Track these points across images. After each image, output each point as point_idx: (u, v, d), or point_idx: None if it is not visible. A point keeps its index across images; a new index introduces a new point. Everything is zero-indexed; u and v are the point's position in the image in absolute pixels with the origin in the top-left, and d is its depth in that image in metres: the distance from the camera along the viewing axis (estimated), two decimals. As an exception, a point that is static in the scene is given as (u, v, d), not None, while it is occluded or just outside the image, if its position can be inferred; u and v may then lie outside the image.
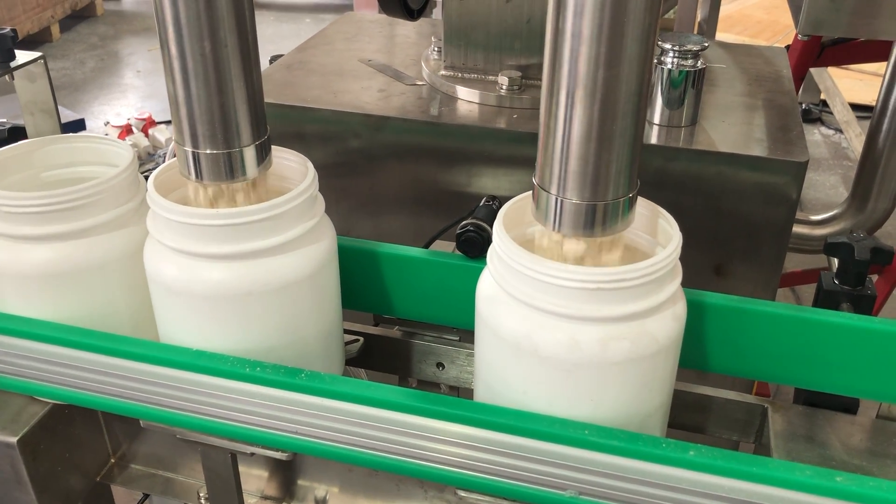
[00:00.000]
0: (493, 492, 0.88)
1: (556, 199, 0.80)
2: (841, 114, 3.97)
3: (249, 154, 0.91)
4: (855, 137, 3.73)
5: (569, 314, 0.80)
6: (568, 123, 0.76)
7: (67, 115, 4.39)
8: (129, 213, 0.99)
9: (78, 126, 4.33)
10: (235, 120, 0.88)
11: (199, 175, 0.90)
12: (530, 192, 0.91)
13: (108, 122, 4.53)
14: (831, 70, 4.27)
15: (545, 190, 0.81)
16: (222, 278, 0.90)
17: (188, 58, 0.84)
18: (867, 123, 4.28)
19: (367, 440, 0.88)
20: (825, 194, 4.03)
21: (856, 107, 4.24)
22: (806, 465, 0.79)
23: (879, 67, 4.55)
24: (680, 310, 0.86)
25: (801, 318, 0.98)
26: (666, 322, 0.83)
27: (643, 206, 0.91)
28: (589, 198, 0.79)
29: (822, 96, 4.48)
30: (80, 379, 0.96)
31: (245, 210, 0.88)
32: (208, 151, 0.89)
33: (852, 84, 4.76)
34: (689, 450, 0.80)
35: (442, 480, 0.88)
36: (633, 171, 0.79)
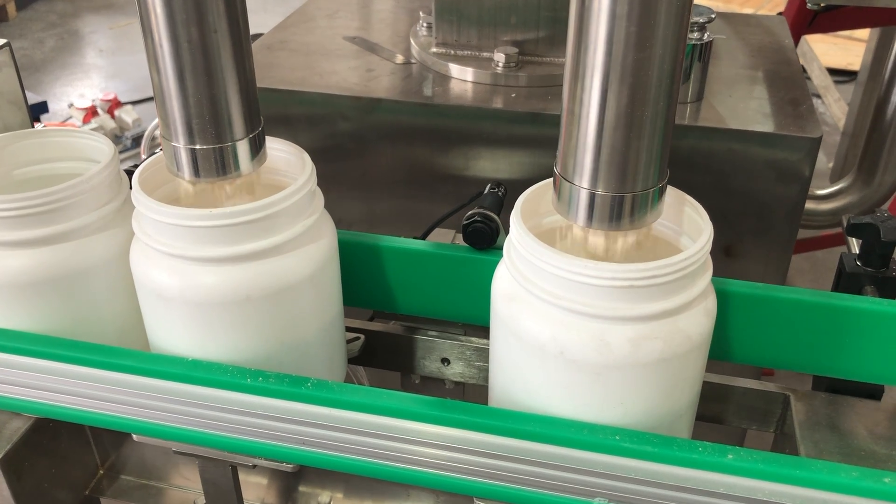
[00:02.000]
0: (515, 501, 0.83)
1: (581, 189, 0.75)
2: (819, 79, 3.94)
3: (243, 148, 0.84)
4: (834, 103, 3.71)
5: (598, 314, 0.74)
6: (594, 109, 0.70)
7: (29, 98, 4.23)
8: (112, 213, 0.92)
9: (40, 109, 4.17)
10: (227, 112, 0.81)
11: (188, 172, 0.83)
12: (545, 181, 0.86)
13: (71, 104, 4.38)
14: (810, 35, 4.24)
15: (568, 180, 0.75)
16: (217, 283, 0.83)
17: (174, 46, 0.76)
18: (845, 88, 4.25)
19: (379, 450, 0.83)
20: (805, 161, 4.01)
21: (833, 71, 4.22)
22: (852, 467, 0.74)
23: (854, 31, 4.53)
24: (711, 304, 0.81)
25: (826, 305, 0.94)
26: (698, 318, 0.78)
27: (668, 192, 0.86)
28: (616, 189, 0.73)
29: (800, 61, 4.45)
30: (66, 393, 0.89)
31: (240, 210, 0.81)
32: (198, 147, 0.82)
33: (828, 48, 4.74)
34: (727, 453, 0.75)
35: (463, 491, 0.83)
36: (663, 159, 0.74)
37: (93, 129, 4.21)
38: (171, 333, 0.88)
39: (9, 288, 0.89)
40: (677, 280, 0.75)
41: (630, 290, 0.73)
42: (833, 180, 2.85)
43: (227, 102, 0.81)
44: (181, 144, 0.81)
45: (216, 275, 0.83)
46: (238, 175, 0.85)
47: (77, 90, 4.91)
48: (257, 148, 0.86)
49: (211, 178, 0.84)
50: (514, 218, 0.80)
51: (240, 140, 0.83)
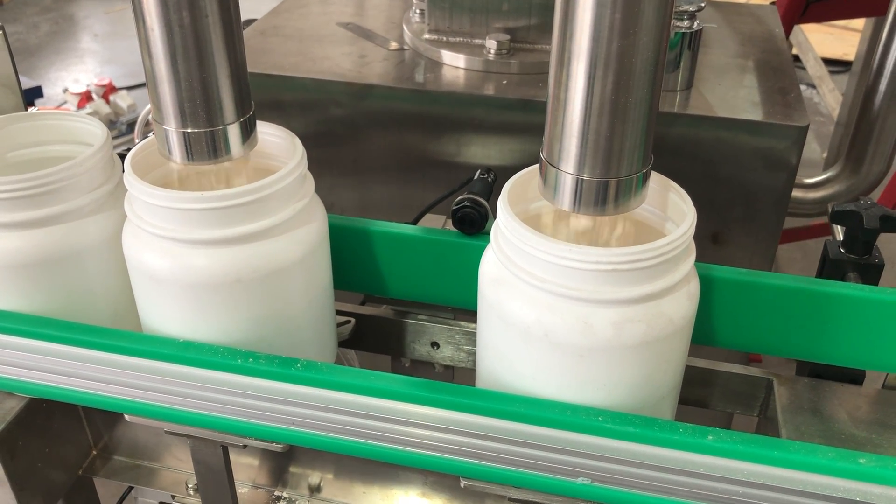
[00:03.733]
0: (500, 480, 0.84)
1: (566, 175, 0.76)
2: (813, 69, 3.95)
3: (234, 132, 0.85)
4: (828, 93, 3.72)
5: (582, 297, 0.76)
6: (580, 95, 0.71)
7: (23, 83, 4.22)
8: (105, 196, 0.93)
9: (35, 94, 4.17)
10: (218, 96, 0.82)
11: (179, 155, 0.84)
12: (532, 167, 0.87)
13: (66, 89, 4.38)
14: (803, 24, 4.25)
15: (553, 165, 0.77)
16: (208, 265, 0.84)
17: (166, 30, 0.77)
18: (839, 78, 4.26)
19: (368, 430, 0.84)
20: (798, 150, 4.02)
21: (828, 61, 4.23)
22: (828, 448, 0.76)
23: (850, 21, 4.54)
24: (694, 288, 0.82)
25: (808, 290, 0.95)
26: (681, 302, 0.79)
27: (652, 178, 0.87)
28: (601, 174, 0.75)
29: (794, 50, 4.46)
30: (58, 373, 0.90)
31: (231, 192, 0.82)
32: (189, 130, 0.82)
33: (823, 38, 4.74)
34: (707, 434, 0.77)
35: (450, 471, 0.84)
36: (647, 145, 0.75)
37: (89, 114, 4.21)
38: (162, 315, 0.89)
39: (2, 269, 0.90)
40: (660, 264, 0.76)
41: (613, 274, 0.75)
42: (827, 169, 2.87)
43: (218, 86, 0.82)
44: (172, 128, 0.82)
45: (207, 257, 0.84)
46: (229, 158, 0.86)
47: (72, 75, 4.90)
48: (248, 131, 0.87)
49: (202, 162, 0.85)
50: (501, 203, 0.81)
51: (231, 124, 0.84)
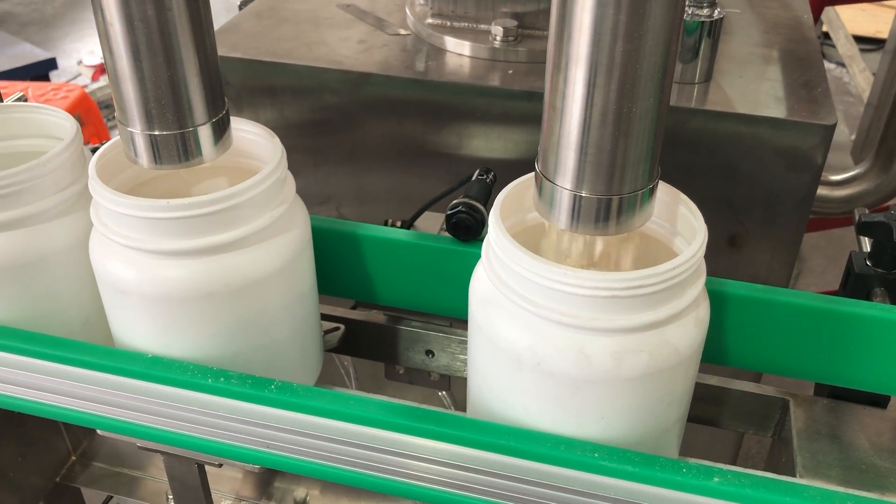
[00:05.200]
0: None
1: (563, 190, 0.68)
2: (844, 48, 3.81)
3: (205, 133, 0.78)
4: (859, 73, 3.58)
5: (578, 324, 0.69)
6: (578, 104, 0.64)
7: (37, 54, 4.17)
8: (74, 196, 0.87)
9: (49, 66, 4.12)
10: (187, 95, 0.75)
11: (146, 159, 0.78)
12: (529, 174, 0.79)
13: (80, 62, 4.34)
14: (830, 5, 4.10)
15: (549, 179, 0.69)
16: (178, 277, 0.78)
17: (127, 24, 0.70)
18: (870, 57, 4.11)
19: (347, 457, 0.78)
20: (826, 132, 3.89)
21: (858, 38, 4.08)
22: (847, 494, 0.69)
23: (885, -3, 4.36)
24: (703, 313, 0.75)
25: (828, 310, 0.88)
26: (688, 329, 0.72)
27: (661, 189, 0.80)
28: (602, 190, 0.67)
29: (825, 28, 4.31)
30: (21, 385, 0.85)
31: (201, 200, 0.76)
32: (157, 132, 0.76)
33: (855, 14, 4.58)
34: (713, 476, 0.70)
35: (434, 501, 0.78)
36: (654, 159, 0.67)
37: (101, 87, 4.16)
38: (132, 328, 0.84)
39: (-37, 275, 0.84)
40: (665, 290, 0.69)
41: (612, 301, 0.68)
42: (854, 154, 2.75)
43: (186, 84, 0.75)
44: (138, 130, 0.76)
45: (176, 268, 0.78)
46: (200, 162, 0.79)
47: (87, 47, 4.85)
48: (221, 132, 0.80)
49: (172, 166, 0.78)
50: (493, 218, 0.74)
51: (202, 125, 0.78)
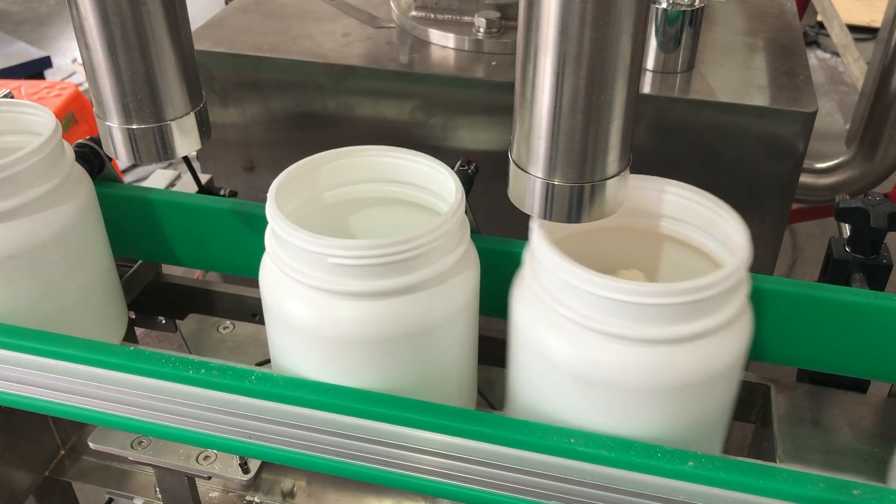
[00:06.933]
0: (474, 502, 0.79)
1: (535, 179, 0.69)
2: (839, 37, 3.79)
3: (184, 126, 0.79)
4: (853, 62, 3.57)
5: (621, 334, 0.69)
6: (547, 93, 0.65)
7: (32, 53, 4.17)
8: (51, 191, 0.87)
9: (44, 64, 4.11)
10: (165, 88, 0.76)
11: (125, 154, 0.78)
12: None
13: (75, 60, 4.33)
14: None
15: (521, 168, 0.70)
16: (354, 318, 0.75)
17: (101, 18, 0.71)
18: (865, 46, 4.10)
19: (328, 447, 0.79)
20: (821, 122, 3.88)
21: (852, 28, 4.07)
22: (819, 476, 0.70)
23: (878, -14, 4.35)
24: (747, 323, 0.75)
25: (810, 296, 0.88)
26: (734, 339, 0.73)
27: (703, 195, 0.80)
28: (574, 178, 0.68)
29: (819, 17, 4.30)
30: (9, 380, 0.86)
31: (386, 242, 0.71)
32: (135, 126, 0.77)
33: (850, 4, 4.57)
34: (687, 460, 0.71)
35: (427, 492, 0.79)
36: (624, 145, 0.68)
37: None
38: (299, 366, 0.81)
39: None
40: (711, 299, 0.69)
41: (657, 310, 0.67)
42: (849, 144, 2.75)
43: (164, 77, 0.75)
44: (116, 124, 0.77)
45: (353, 309, 0.74)
46: (179, 156, 0.80)
47: (81, 44, 4.84)
48: (200, 125, 0.81)
49: (151, 161, 0.79)
50: (535, 227, 0.73)
51: (180, 117, 0.78)
